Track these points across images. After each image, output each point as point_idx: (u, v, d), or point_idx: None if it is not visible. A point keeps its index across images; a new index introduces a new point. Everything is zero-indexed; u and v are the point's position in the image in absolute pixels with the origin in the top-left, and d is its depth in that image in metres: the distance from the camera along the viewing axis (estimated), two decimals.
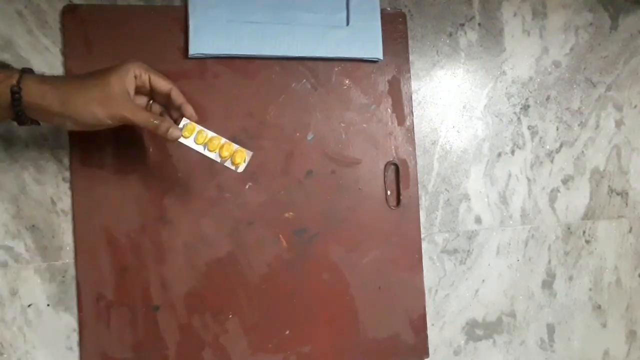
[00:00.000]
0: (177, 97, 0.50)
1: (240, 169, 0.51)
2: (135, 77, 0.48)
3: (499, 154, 0.72)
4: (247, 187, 0.61)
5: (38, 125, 0.47)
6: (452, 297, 0.69)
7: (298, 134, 0.63)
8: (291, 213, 0.62)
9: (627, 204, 0.78)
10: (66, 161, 0.56)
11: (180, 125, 0.50)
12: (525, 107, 0.73)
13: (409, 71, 0.67)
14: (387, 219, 0.65)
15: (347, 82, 0.65)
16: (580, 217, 0.75)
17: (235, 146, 0.51)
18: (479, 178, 0.71)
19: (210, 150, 0.50)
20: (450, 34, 0.70)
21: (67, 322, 0.56)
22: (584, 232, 0.75)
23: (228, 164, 0.51)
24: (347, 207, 0.64)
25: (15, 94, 0.43)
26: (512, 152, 0.72)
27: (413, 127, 0.67)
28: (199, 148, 0.50)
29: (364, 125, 0.65)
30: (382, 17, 0.65)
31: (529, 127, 0.73)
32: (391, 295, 0.65)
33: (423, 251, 0.67)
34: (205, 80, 0.60)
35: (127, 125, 0.48)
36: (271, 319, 0.61)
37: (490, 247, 0.71)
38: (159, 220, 0.58)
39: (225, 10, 0.60)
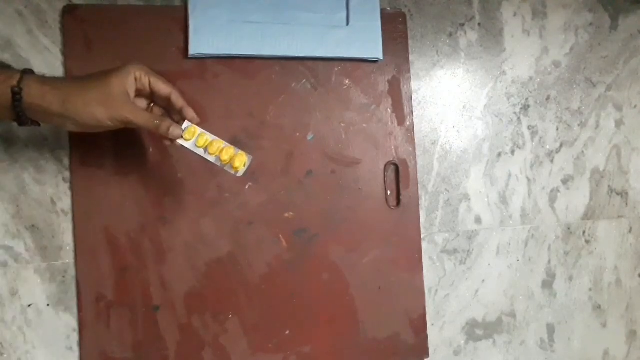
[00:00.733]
0: (178, 100, 0.50)
1: (240, 174, 0.51)
2: (136, 79, 0.48)
3: (499, 154, 0.72)
4: (247, 187, 0.61)
5: (38, 126, 0.47)
6: (452, 297, 0.69)
7: (298, 134, 0.63)
8: (291, 213, 0.62)
9: (627, 204, 0.78)
10: (66, 161, 0.56)
11: (182, 128, 0.50)
12: (525, 107, 0.73)
13: (409, 71, 0.67)
14: (387, 219, 0.65)
15: (347, 82, 0.65)
16: (580, 217, 0.75)
17: (235, 150, 0.51)
18: (479, 178, 0.71)
19: (210, 154, 0.50)
20: (450, 34, 0.70)
21: (67, 322, 0.56)
22: (584, 232, 0.75)
23: (228, 167, 0.51)
24: (347, 207, 0.64)
25: (16, 94, 0.43)
26: (512, 152, 0.72)
27: (413, 127, 0.67)
28: (200, 151, 0.50)
29: (364, 125, 0.65)
30: (382, 17, 0.65)
31: (529, 127, 0.73)
32: (391, 295, 0.65)
33: (423, 251, 0.67)
34: (205, 80, 0.60)
35: (128, 127, 0.48)
36: (271, 319, 0.61)
37: (490, 247, 0.71)
38: (159, 220, 0.58)
39: (225, 10, 0.60)
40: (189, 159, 0.58)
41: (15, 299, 0.55)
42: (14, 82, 0.43)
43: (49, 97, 0.44)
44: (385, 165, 0.66)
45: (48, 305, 0.56)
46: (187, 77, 0.59)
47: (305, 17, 0.62)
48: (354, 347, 0.63)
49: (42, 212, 0.56)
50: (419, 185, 0.68)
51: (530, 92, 0.73)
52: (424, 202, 0.68)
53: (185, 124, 0.50)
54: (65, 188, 0.56)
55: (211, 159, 0.50)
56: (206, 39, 0.59)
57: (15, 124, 0.46)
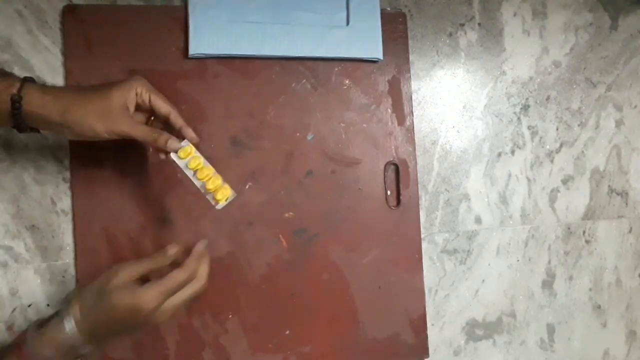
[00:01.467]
0: (177, 120, 0.50)
1: (219, 207, 0.50)
2: (137, 94, 0.48)
3: (499, 154, 0.72)
4: (247, 187, 0.61)
5: (38, 132, 0.47)
6: (452, 297, 0.69)
7: (298, 134, 0.63)
8: (291, 213, 0.62)
9: (627, 204, 0.78)
10: (66, 161, 0.56)
11: (181, 145, 0.50)
12: (525, 107, 0.73)
13: (409, 71, 0.67)
14: (387, 219, 0.65)
15: (347, 82, 0.65)
16: (580, 217, 0.75)
17: (222, 182, 0.50)
18: (479, 178, 0.71)
19: (198, 178, 0.50)
20: (450, 34, 0.70)
21: None
22: (584, 232, 0.75)
23: (210, 197, 0.50)
24: (347, 207, 0.64)
25: (16, 102, 0.43)
26: (512, 152, 0.72)
27: (413, 127, 0.67)
28: (189, 172, 0.50)
29: (364, 125, 0.65)
30: (382, 17, 0.65)
31: (529, 127, 0.73)
32: (391, 295, 0.65)
33: (423, 251, 0.67)
34: (205, 80, 0.60)
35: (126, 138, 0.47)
36: (271, 319, 0.61)
37: (490, 247, 0.71)
38: (158, 221, 0.58)
39: (225, 10, 0.60)
40: None
41: (15, 299, 0.55)
42: (14, 90, 0.43)
43: (49, 106, 0.44)
44: (385, 165, 0.66)
45: (48, 305, 0.56)
46: (187, 77, 0.59)
47: (305, 17, 0.62)
48: (354, 347, 0.63)
49: (42, 212, 0.56)
50: (419, 185, 0.68)
51: (530, 92, 0.73)
52: (424, 202, 0.68)
53: (184, 142, 0.50)
54: (65, 188, 0.56)
55: (197, 183, 0.50)
56: (206, 38, 0.59)
57: None
